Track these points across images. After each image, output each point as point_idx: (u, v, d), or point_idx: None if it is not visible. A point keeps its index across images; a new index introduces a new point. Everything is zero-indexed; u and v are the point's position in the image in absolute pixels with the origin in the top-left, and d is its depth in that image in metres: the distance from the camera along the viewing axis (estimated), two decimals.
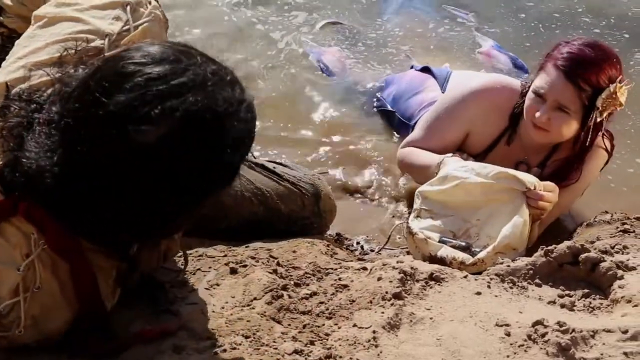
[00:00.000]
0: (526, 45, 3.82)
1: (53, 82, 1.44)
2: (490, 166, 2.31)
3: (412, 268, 1.86)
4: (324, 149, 3.07)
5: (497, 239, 2.18)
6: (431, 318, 1.69)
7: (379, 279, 1.82)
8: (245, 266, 1.88)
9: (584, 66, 2.27)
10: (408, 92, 3.04)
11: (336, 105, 3.31)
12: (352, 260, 2.14)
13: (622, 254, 1.98)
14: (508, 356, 1.57)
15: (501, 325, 1.65)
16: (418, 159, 2.57)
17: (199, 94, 1.26)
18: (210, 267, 1.88)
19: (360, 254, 2.45)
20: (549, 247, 1.94)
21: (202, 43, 3.46)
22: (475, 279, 1.87)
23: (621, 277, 1.83)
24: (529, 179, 2.25)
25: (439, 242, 2.23)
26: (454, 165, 2.35)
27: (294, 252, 2.03)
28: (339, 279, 1.87)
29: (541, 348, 1.58)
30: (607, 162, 2.57)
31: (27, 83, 1.50)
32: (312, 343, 1.59)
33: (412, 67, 3.27)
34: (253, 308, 1.69)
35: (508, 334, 1.62)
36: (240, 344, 1.55)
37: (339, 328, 1.66)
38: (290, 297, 1.75)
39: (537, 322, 1.63)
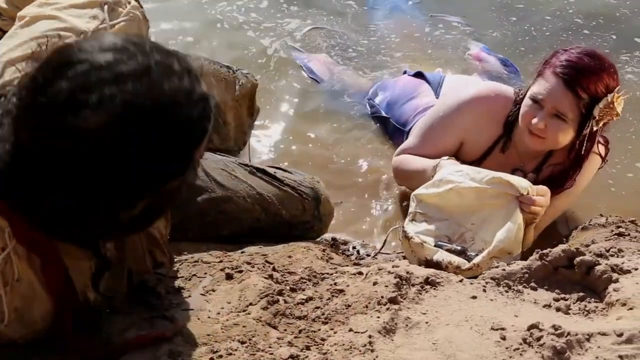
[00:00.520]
0: (521, 49, 3.83)
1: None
2: (485, 171, 2.32)
3: (407, 272, 1.86)
4: (317, 156, 3.07)
5: (492, 243, 2.19)
6: (427, 322, 1.69)
7: (375, 283, 1.82)
8: (240, 271, 1.88)
9: (583, 74, 2.28)
10: (402, 98, 3.05)
11: (326, 112, 3.31)
12: (347, 265, 2.14)
13: (617, 257, 1.99)
14: None
15: (497, 329, 1.66)
16: (414, 164, 2.57)
17: (140, 83, 1.25)
18: (205, 273, 1.88)
19: (356, 258, 2.45)
20: (544, 251, 1.94)
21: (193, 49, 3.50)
22: (471, 283, 1.88)
23: (616, 281, 1.83)
24: (522, 183, 2.26)
25: (435, 246, 2.24)
26: (449, 169, 2.35)
27: (290, 257, 2.03)
28: (335, 283, 1.87)
29: (536, 352, 1.58)
30: (600, 167, 2.59)
31: (0, 79, 1.52)
32: (308, 348, 1.59)
33: (404, 73, 3.28)
34: (249, 313, 1.69)
35: (503, 338, 1.63)
36: (236, 350, 1.55)
37: (335, 333, 1.66)
38: (286, 302, 1.75)
39: (533, 326, 1.63)
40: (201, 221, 2.14)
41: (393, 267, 1.89)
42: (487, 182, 2.26)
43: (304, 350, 1.58)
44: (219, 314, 1.70)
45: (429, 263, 2.19)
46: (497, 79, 3.38)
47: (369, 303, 1.75)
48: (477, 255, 2.19)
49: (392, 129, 3.06)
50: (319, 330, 1.66)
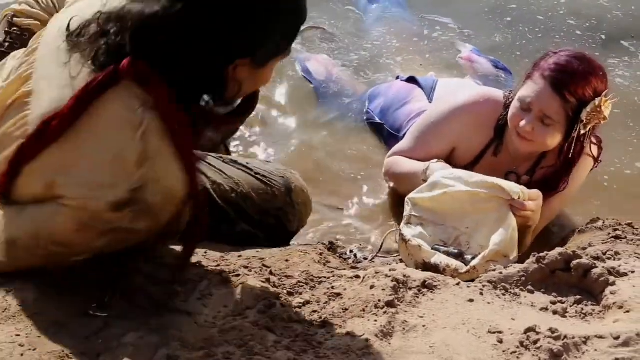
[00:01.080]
0: (516, 53, 3.84)
1: None
2: (477, 175, 2.32)
3: (404, 276, 1.86)
4: (312, 160, 3.08)
5: (488, 247, 2.19)
6: (424, 326, 1.69)
7: (372, 287, 1.82)
8: (237, 275, 1.88)
9: (571, 78, 2.28)
10: (396, 104, 3.06)
11: (322, 115, 3.32)
12: (345, 269, 2.14)
13: (614, 260, 1.99)
14: None
15: (494, 332, 1.66)
16: (404, 166, 2.60)
17: None
18: (202, 277, 1.88)
19: (353, 262, 2.45)
20: (541, 254, 1.94)
21: None
22: (468, 286, 1.88)
23: (613, 284, 1.84)
24: (514, 188, 2.26)
25: (432, 249, 2.24)
26: (443, 173, 2.36)
27: (287, 261, 2.03)
28: (332, 287, 1.87)
29: (533, 355, 1.58)
30: (593, 167, 2.59)
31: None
32: (305, 352, 1.59)
33: (397, 78, 3.28)
34: (246, 317, 1.69)
35: (500, 341, 1.63)
36: (233, 354, 1.55)
37: (332, 337, 1.66)
38: (283, 306, 1.75)
39: (530, 329, 1.64)
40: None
41: (390, 270, 1.89)
42: (479, 186, 2.27)
43: (301, 354, 1.57)
44: (215, 318, 1.70)
45: (426, 266, 2.19)
46: (489, 80, 3.39)
47: (366, 307, 1.75)
48: (473, 258, 2.19)
49: (386, 135, 3.07)
50: (316, 334, 1.66)
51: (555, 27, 4.07)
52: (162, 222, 1.65)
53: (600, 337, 1.61)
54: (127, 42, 1.59)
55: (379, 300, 1.76)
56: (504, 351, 1.60)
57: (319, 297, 1.82)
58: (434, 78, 3.15)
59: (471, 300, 1.81)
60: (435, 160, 2.47)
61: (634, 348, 1.57)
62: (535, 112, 2.33)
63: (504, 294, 1.86)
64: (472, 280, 1.96)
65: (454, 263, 2.18)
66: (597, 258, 1.95)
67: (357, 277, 1.92)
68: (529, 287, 1.89)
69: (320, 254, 2.18)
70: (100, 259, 1.69)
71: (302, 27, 1.73)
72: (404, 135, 2.82)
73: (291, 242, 2.37)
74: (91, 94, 1.58)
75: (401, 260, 2.36)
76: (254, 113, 1.91)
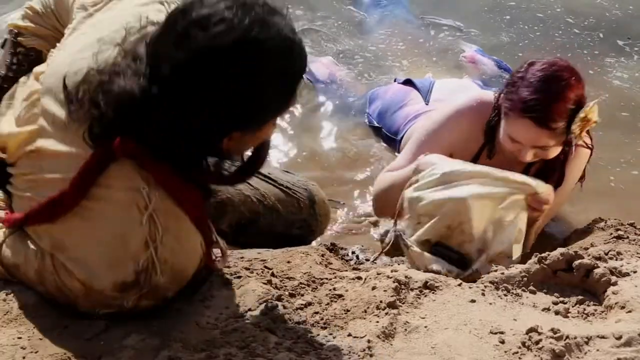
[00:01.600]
0: (518, 53, 3.83)
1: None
2: (495, 171, 2.24)
3: (406, 277, 1.86)
4: (314, 161, 3.08)
5: (491, 248, 2.17)
6: (426, 326, 1.69)
7: (374, 288, 1.82)
8: (239, 277, 1.88)
9: (550, 108, 2.22)
10: (393, 107, 3.06)
11: (325, 117, 3.32)
12: (346, 270, 2.14)
13: (616, 260, 1.99)
14: None
15: (495, 333, 1.66)
16: (390, 178, 2.53)
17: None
18: (204, 279, 1.88)
19: (355, 263, 2.45)
20: (543, 254, 1.94)
21: None
22: (470, 287, 1.88)
23: (615, 283, 1.83)
24: (540, 183, 2.21)
25: (433, 252, 2.21)
26: (452, 165, 2.27)
27: (289, 262, 2.03)
28: (334, 288, 1.87)
29: (535, 355, 1.58)
30: (590, 156, 2.56)
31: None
32: (306, 353, 1.59)
33: (395, 80, 3.28)
34: (247, 319, 1.69)
35: (502, 342, 1.63)
36: (235, 355, 1.55)
37: (334, 338, 1.66)
38: (284, 307, 1.75)
39: (531, 329, 1.64)
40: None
41: (392, 271, 1.89)
42: (502, 184, 2.18)
43: (303, 356, 1.58)
44: (217, 319, 1.70)
45: (429, 271, 2.17)
46: (492, 81, 3.39)
47: (368, 308, 1.75)
48: (476, 260, 2.17)
49: (384, 138, 3.09)
50: (318, 335, 1.66)
51: (553, 24, 4.08)
52: (167, 296, 1.68)
53: (603, 337, 1.61)
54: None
55: (381, 301, 1.76)
56: (505, 352, 1.60)
57: (321, 298, 1.82)
58: (430, 79, 3.15)
59: (473, 301, 1.80)
60: (422, 155, 2.38)
61: (636, 348, 1.57)
62: (528, 146, 2.33)
63: (505, 295, 1.86)
64: (474, 281, 1.95)
65: (455, 270, 2.15)
66: (599, 258, 1.95)
67: (359, 278, 1.92)
68: (531, 288, 1.89)
69: (322, 255, 2.18)
70: None
71: (298, 29, 1.68)
72: (402, 138, 2.83)
73: None
74: (93, 172, 1.56)
75: (403, 262, 2.35)
76: None
